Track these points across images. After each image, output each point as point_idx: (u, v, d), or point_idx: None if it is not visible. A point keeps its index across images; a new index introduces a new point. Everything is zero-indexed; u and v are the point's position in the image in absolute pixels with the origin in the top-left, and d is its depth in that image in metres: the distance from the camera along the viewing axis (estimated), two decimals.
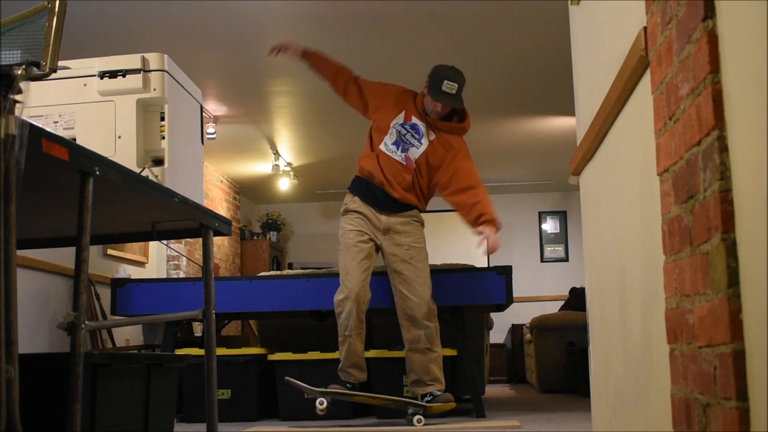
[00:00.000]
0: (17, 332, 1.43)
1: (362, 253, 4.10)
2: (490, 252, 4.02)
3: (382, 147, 4.18)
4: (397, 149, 4.17)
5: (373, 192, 4.18)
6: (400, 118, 4.19)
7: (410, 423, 3.97)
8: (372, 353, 4.49)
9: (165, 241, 6.03)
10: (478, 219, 4.06)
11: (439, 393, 4.06)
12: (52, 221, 2.41)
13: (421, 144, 4.17)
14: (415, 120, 4.20)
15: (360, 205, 4.20)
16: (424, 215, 4.35)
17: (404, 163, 4.16)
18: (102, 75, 2.38)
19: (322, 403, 4.05)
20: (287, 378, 4.27)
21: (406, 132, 4.18)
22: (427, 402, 4.04)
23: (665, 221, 1.44)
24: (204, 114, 4.54)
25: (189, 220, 2.48)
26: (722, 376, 1.13)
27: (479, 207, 4.08)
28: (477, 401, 4.39)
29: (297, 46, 4.31)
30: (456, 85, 4.06)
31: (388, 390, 4.37)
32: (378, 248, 4.21)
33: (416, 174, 4.18)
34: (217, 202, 8.59)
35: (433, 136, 4.19)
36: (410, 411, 4.01)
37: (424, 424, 3.95)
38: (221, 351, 4.53)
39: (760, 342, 1.01)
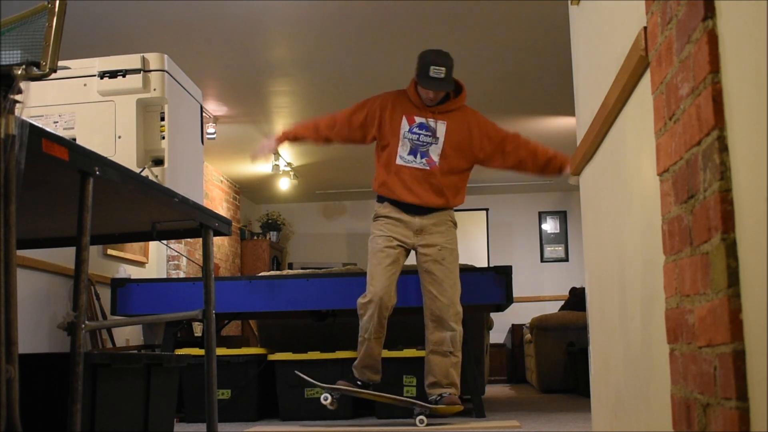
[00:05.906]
0: (17, 332, 1.43)
1: (389, 258, 4.03)
2: None
3: (399, 162, 4.07)
4: (416, 157, 4.06)
5: (402, 204, 4.10)
6: (405, 125, 4.07)
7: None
8: None
9: (165, 241, 6.03)
10: (548, 165, 4.09)
11: (447, 395, 4.02)
12: (52, 221, 2.41)
13: (438, 138, 4.07)
14: (418, 119, 4.07)
15: (390, 210, 4.10)
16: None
17: (428, 168, 4.06)
18: (102, 75, 2.38)
19: (326, 399, 4.05)
20: (297, 372, 4.29)
21: (417, 136, 4.07)
22: (434, 401, 4.03)
23: (665, 221, 1.44)
24: (204, 114, 4.54)
25: (189, 220, 2.48)
26: (722, 376, 1.12)
27: (538, 153, 4.10)
28: (477, 401, 4.39)
29: (270, 141, 4.22)
30: (443, 68, 3.94)
31: (389, 390, 4.36)
32: (408, 252, 4.14)
33: (443, 172, 4.07)
34: (217, 202, 8.59)
35: (444, 123, 4.08)
36: (416, 411, 4.02)
37: (427, 425, 3.95)
38: (221, 351, 4.53)
39: (760, 342, 1.01)
